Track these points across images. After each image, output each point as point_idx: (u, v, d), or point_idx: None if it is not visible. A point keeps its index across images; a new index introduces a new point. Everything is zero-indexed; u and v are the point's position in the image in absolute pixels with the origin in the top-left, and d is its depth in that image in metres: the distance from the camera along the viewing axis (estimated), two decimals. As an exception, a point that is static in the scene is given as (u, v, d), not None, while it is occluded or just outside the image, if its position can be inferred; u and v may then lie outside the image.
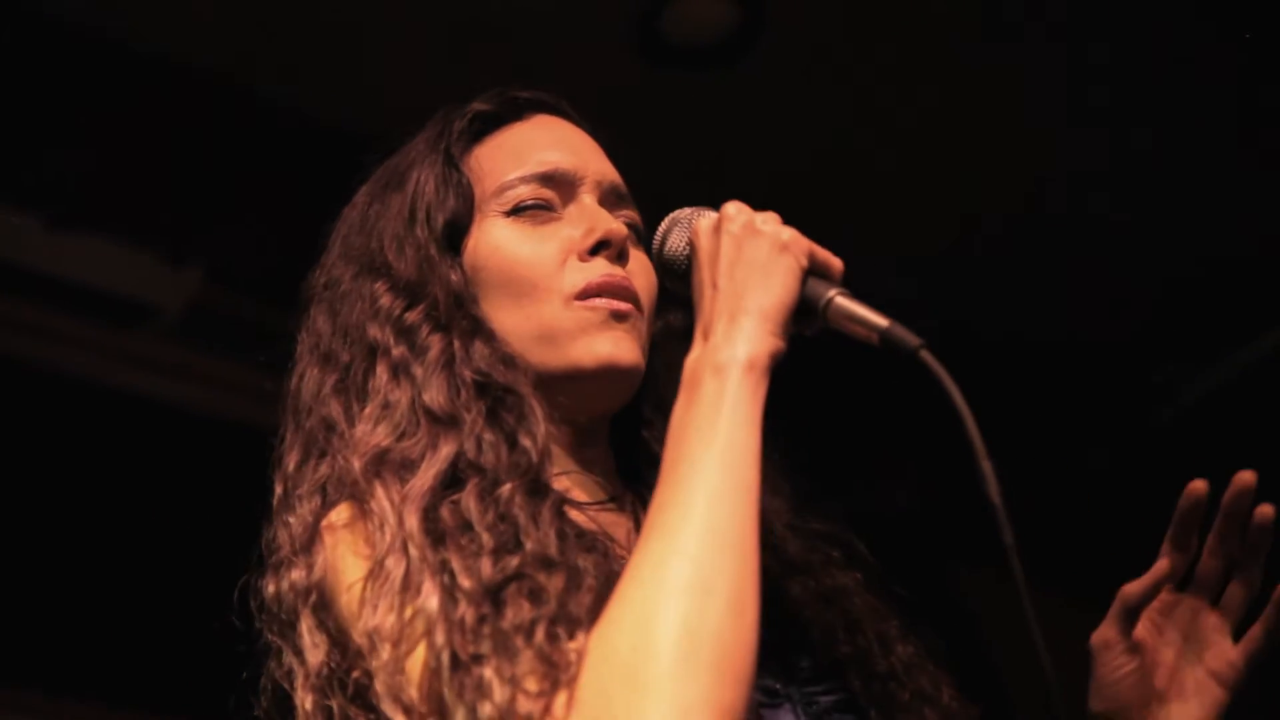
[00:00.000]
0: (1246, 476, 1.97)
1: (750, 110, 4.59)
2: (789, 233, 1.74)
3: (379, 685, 1.54)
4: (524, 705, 1.44)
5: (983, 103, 4.72)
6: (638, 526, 1.88)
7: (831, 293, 1.73)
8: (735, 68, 4.54)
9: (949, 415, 1.60)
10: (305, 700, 1.68)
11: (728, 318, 1.68)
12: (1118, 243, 5.27)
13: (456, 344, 1.83)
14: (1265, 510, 1.95)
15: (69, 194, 4.46)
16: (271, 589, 1.74)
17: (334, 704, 1.66)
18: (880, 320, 1.70)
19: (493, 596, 1.52)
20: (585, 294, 1.90)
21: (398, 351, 1.84)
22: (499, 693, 1.45)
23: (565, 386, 1.87)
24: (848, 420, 5.09)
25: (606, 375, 1.90)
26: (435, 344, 1.83)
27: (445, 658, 1.49)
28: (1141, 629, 2.01)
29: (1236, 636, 2.00)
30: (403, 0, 4.20)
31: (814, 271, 1.75)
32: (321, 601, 1.68)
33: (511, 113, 2.07)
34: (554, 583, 1.54)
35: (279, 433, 1.94)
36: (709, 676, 1.42)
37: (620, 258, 1.96)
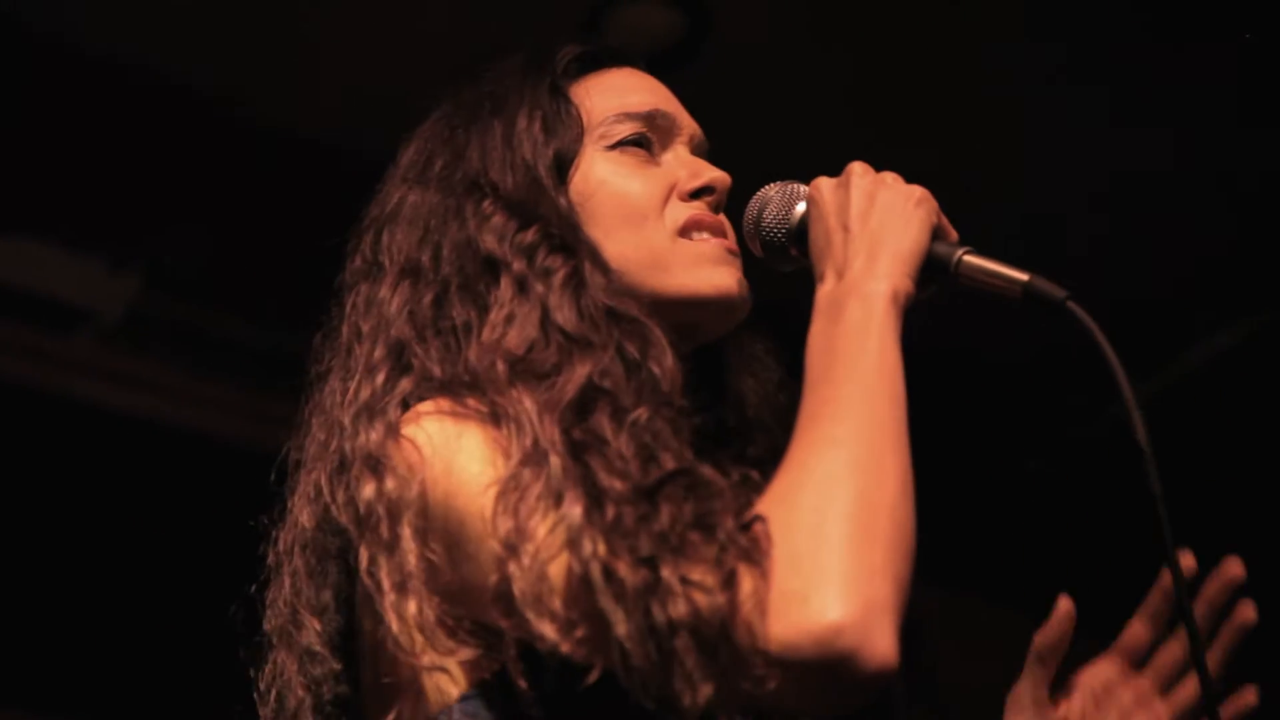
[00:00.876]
0: (1235, 568, 2.01)
1: (696, 116, 4.59)
2: (920, 190, 1.80)
3: (519, 591, 1.49)
4: (706, 599, 1.41)
5: (928, 115, 4.74)
6: None
7: (961, 250, 1.78)
8: (677, 76, 4.54)
9: (1100, 366, 1.64)
10: (405, 607, 1.62)
11: (867, 255, 1.71)
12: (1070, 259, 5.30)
13: (584, 267, 1.80)
14: (1245, 610, 1.99)
15: (6, 199, 4.44)
16: (367, 490, 1.67)
17: (432, 610, 1.61)
18: (1020, 274, 1.74)
19: (648, 497, 1.49)
20: (686, 228, 1.92)
21: (519, 266, 1.81)
22: (681, 591, 1.42)
23: (676, 314, 1.85)
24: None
25: (722, 304, 1.92)
26: (559, 265, 1.80)
27: (596, 567, 1.45)
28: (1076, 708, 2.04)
29: None
30: (343, 6, 4.19)
31: (937, 233, 1.79)
32: (422, 506, 1.63)
33: (608, 58, 2.09)
34: (719, 478, 1.52)
35: (332, 349, 1.91)
36: (888, 546, 1.44)
37: (719, 207, 1.97)
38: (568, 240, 1.84)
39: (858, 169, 1.82)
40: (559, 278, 1.78)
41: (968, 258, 1.77)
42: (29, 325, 4.67)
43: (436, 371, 1.75)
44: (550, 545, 1.49)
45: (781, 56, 4.54)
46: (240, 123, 4.45)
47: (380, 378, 1.79)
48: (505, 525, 1.53)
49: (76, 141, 4.38)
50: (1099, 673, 2.06)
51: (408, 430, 1.69)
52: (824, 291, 1.71)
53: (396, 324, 1.83)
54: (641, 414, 1.61)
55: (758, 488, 1.52)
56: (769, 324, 2.05)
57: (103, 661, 4.36)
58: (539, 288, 1.77)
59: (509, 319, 1.76)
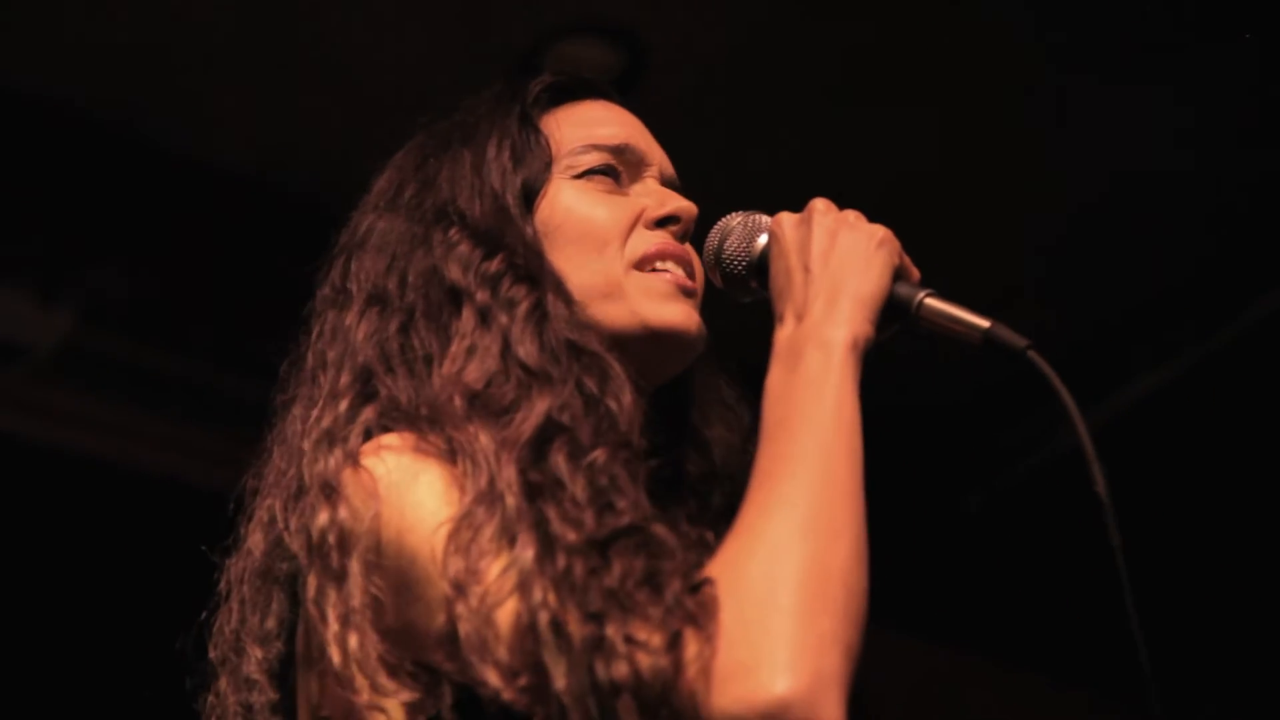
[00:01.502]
0: None
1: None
2: (883, 230, 1.78)
3: (464, 634, 1.48)
4: (650, 661, 1.39)
5: (853, 154, 4.76)
6: None
7: (923, 293, 1.76)
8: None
9: (1059, 413, 1.63)
10: (347, 640, 1.59)
11: (826, 299, 1.69)
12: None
13: (547, 298, 1.79)
14: None
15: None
16: (322, 518, 1.66)
17: (375, 647, 1.59)
18: (981, 321, 1.73)
19: (600, 550, 1.47)
20: (647, 259, 1.91)
21: (482, 297, 1.79)
22: (624, 651, 1.40)
23: (627, 348, 1.82)
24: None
25: (669, 339, 1.90)
26: (523, 296, 1.78)
27: (545, 617, 1.43)
28: None
29: None
30: (271, 41, 4.18)
31: (899, 274, 1.77)
32: (374, 542, 1.61)
33: (581, 90, 2.09)
34: (671, 536, 1.50)
35: (296, 376, 1.90)
36: (839, 614, 1.42)
37: (685, 236, 1.96)
38: (533, 270, 1.82)
39: (820, 206, 1.82)
40: (522, 309, 1.77)
41: (929, 301, 1.76)
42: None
43: (401, 401, 1.74)
44: (500, 589, 1.48)
45: (717, 93, 4.56)
46: (174, 157, 4.43)
47: (344, 405, 1.77)
48: (455, 566, 1.51)
49: (8, 178, 4.36)
50: None
51: (367, 461, 1.67)
52: (783, 335, 1.69)
53: (362, 351, 1.81)
54: (599, 455, 1.59)
55: (711, 548, 1.50)
56: (742, 367, 2.03)
57: (34, 695, 4.32)
58: (502, 319, 1.76)
59: (470, 350, 1.74)
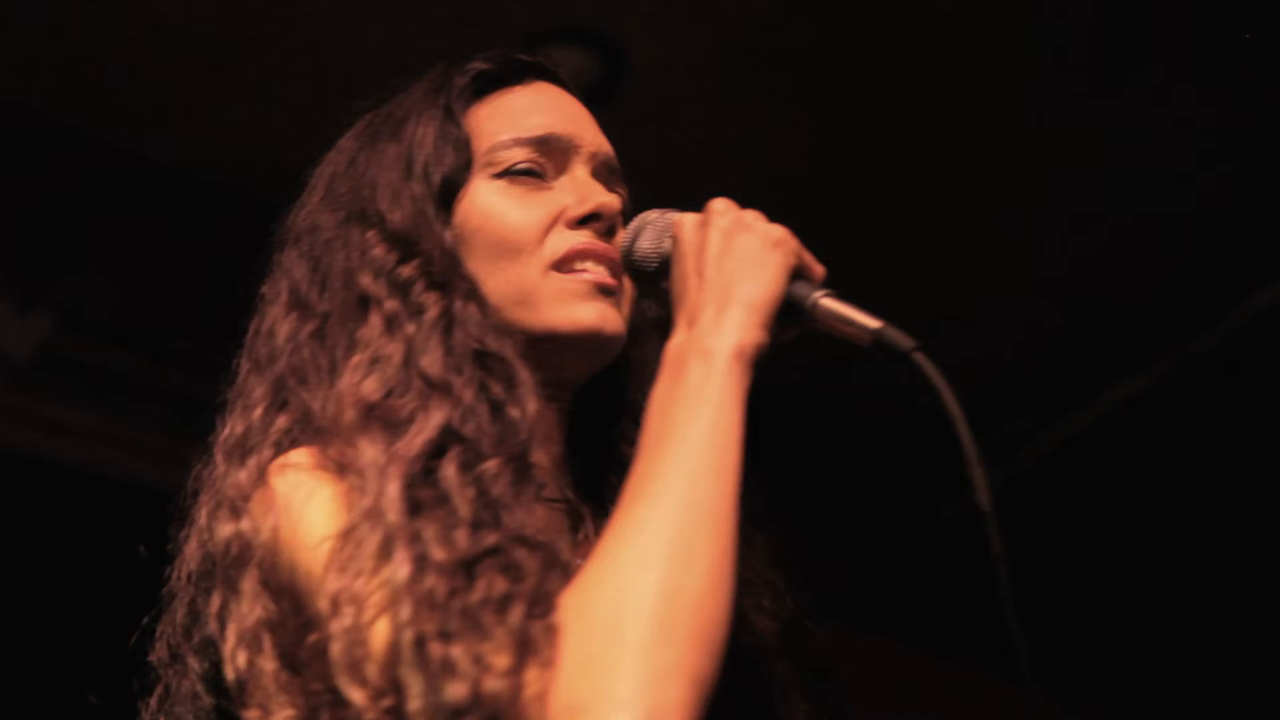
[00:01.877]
0: None
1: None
2: (779, 230, 1.76)
3: (336, 652, 1.48)
4: (493, 684, 1.39)
5: (834, 161, 4.78)
6: (577, 532, 1.87)
7: (818, 294, 1.73)
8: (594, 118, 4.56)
9: (942, 418, 1.62)
10: (238, 657, 1.61)
11: (715, 306, 1.67)
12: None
13: (455, 305, 1.77)
14: None
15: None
16: (224, 529, 1.67)
17: (267, 665, 1.60)
18: (872, 321, 1.70)
19: (466, 570, 1.47)
20: (566, 259, 1.88)
21: (391, 305, 1.78)
22: (467, 671, 1.40)
23: (542, 353, 1.82)
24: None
25: (581, 341, 1.87)
26: (432, 303, 1.77)
27: (409, 635, 1.43)
28: None
29: None
30: (254, 50, 4.18)
31: (799, 273, 1.75)
32: (270, 558, 1.62)
33: (512, 75, 2.05)
34: (532, 560, 1.50)
35: (235, 372, 1.89)
36: (687, 644, 1.41)
37: (608, 234, 1.93)
38: (446, 276, 1.81)
39: (718, 206, 1.78)
40: (430, 316, 1.76)
41: (824, 301, 1.73)
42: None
43: (312, 410, 1.73)
44: (372, 606, 1.48)
45: (697, 101, 4.57)
46: (152, 165, 4.43)
47: (257, 414, 1.77)
48: (333, 584, 1.51)
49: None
50: None
51: (272, 477, 1.67)
52: (673, 344, 1.67)
53: (281, 356, 1.81)
54: (491, 466, 1.60)
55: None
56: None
57: (13, 700, 4.31)
58: (409, 327, 1.75)
59: (373, 360, 1.73)
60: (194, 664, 1.77)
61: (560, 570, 1.51)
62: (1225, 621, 5.39)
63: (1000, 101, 4.61)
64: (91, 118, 4.38)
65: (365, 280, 1.81)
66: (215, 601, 1.66)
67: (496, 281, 1.86)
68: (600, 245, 1.90)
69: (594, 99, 4.54)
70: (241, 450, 1.74)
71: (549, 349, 1.84)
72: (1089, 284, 5.29)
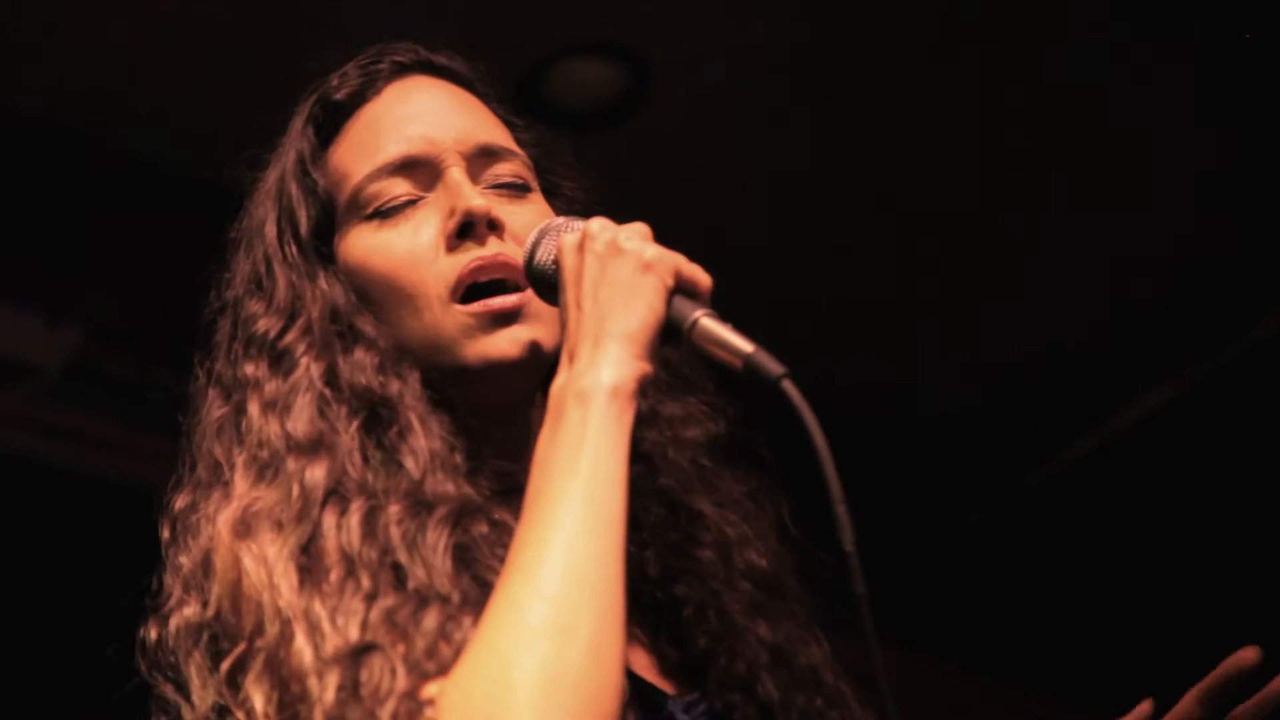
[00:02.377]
0: (1249, 654, 1.91)
1: (635, 172, 4.62)
2: (653, 250, 1.67)
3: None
4: None
5: (859, 172, 4.78)
6: None
7: (697, 314, 1.65)
8: (617, 131, 4.56)
9: (807, 451, 1.54)
10: None
11: (591, 341, 1.61)
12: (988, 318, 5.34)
13: (339, 361, 1.75)
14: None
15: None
16: (155, 634, 1.68)
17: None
18: (745, 345, 1.62)
19: (355, 658, 1.48)
20: (459, 284, 1.80)
21: (271, 386, 1.76)
22: None
23: (462, 385, 1.79)
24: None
25: (494, 371, 1.79)
26: (304, 366, 1.75)
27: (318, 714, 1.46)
28: None
29: None
30: (270, 56, 4.19)
31: (681, 289, 1.67)
32: (214, 639, 1.62)
33: (367, 92, 1.96)
34: (427, 622, 1.50)
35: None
36: (568, 718, 1.39)
37: (492, 229, 1.84)
38: (328, 335, 1.80)
39: (594, 228, 1.70)
40: (297, 378, 1.75)
41: (703, 323, 1.64)
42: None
43: (237, 490, 1.71)
44: (292, 700, 1.50)
45: (721, 112, 4.57)
46: (181, 181, 4.45)
47: (180, 506, 1.77)
48: (252, 691, 1.54)
49: (15, 199, 4.37)
50: None
51: (214, 555, 1.66)
52: (555, 386, 1.63)
53: (209, 435, 1.80)
54: (392, 511, 1.60)
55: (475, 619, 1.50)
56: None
57: (36, 710, 4.33)
58: (286, 399, 1.74)
59: (257, 447, 1.72)
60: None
61: (459, 627, 1.51)
62: (1249, 630, 5.37)
63: (1017, 107, 4.61)
64: (121, 132, 4.40)
65: (248, 366, 1.80)
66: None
67: (404, 329, 1.82)
68: (486, 257, 1.82)
69: (619, 111, 4.59)
70: (176, 550, 1.74)
71: (475, 380, 1.80)
72: (1115, 293, 5.29)
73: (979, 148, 4.73)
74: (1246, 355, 5.34)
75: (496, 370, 1.79)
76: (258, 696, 1.53)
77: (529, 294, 1.81)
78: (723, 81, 4.47)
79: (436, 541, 1.59)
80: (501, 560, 1.55)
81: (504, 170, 1.92)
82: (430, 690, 1.45)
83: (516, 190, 1.92)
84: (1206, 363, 5.42)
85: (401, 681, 1.45)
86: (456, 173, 1.86)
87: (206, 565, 1.66)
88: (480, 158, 1.90)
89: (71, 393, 4.65)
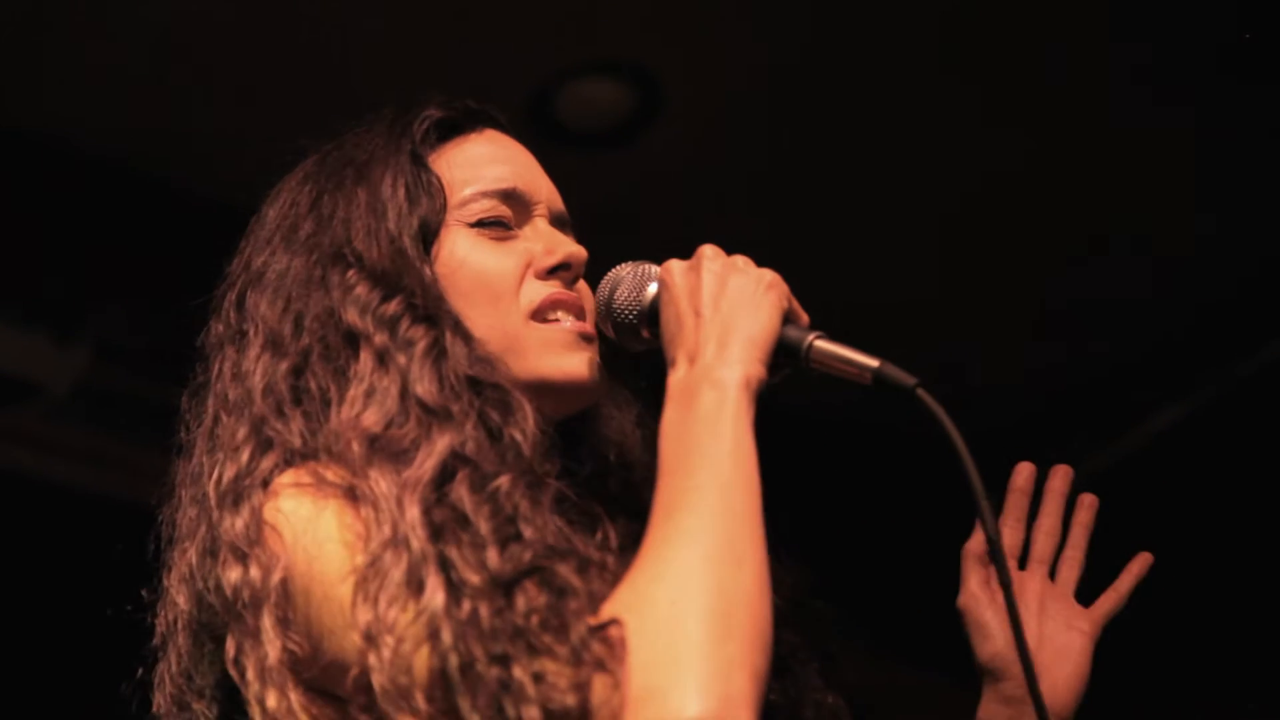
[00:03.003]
0: (1064, 468, 2.20)
1: (646, 191, 4.62)
2: (770, 274, 1.79)
3: (380, 684, 1.49)
4: (563, 700, 1.42)
5: (877, 189, 4.78)
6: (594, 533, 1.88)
7: (812, 335, 1.77)
8: (629, 150, 4.56)
9: (947, 452, 1.64)
10: (267, 698, 1.62)
11: (718, 341, 1.70)
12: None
13: (446, 337, 1.79)
14: (1089, 496, 2.19)
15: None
16: (232, 576, 1.67)
17: (295, 699, 1.62)
18: (871, 361, 1.74)
19: (505, 590, 1.49)
20: (541, 309, 1.91)
21: (380, 339, 1.79)
22: (533, 692, 1.42)
23: (530, 396, 1.81)
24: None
25: (570, 389, 1.91)
26: (421, 336, 1.79)
27: (455, 660, 1.45)
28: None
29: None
30: (284, 78, 4.20)
31: (788, 317, 1.78)
32: (285, 597, 1.62)
33: (467, 122, 2.07)
34: (567, 569, 1.52)
35: (189, 417, 1.92)
36: (745, 639, 1.44)
37: (575, 280, 1.97)
38: (431, 310, 1.83)
39: (709, 252, 1.82)
40: (420, 348, 1.78)
41: (819, 343, 1.77)
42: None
43: (297, 446, 1.74)
44: (411, 636, 1.49)
45: (731, 131, 4.57)
46: (190, 198, 4.45)
47: (245, 456, 1.77)
48: (365, 616, 1.52)
49: (21, 216, 4.38)
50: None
51: (269, 514, 1.68)
52: (676, 378, 1.71)
53: (260, 396, 1.81)
54: (503, 482, 1.61)
55: (616, 575, 1.52)
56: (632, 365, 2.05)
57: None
58: (400, 359, 1.77)
59: (369, 393, 1.74)
60: (201, 709, 1.78)
61: (596, 570, 1.53)
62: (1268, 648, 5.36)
63: (1038, 131, 4.61)
64: (129, 151, 4.41)
65: (352, 316, 1.82)
66: (230, 648, 1.67)
67: (479, 324, 1.88)
68: (571, 296, 1.95)
69: (629, 130, 4.59)
70: (234, 494, 1.74)
71: (533, 393, 1.84)
72: (1129, 310, 5.28)
73: (990, 154, 4.72)
74: (1263, 371, 5.34)
75: (570, 387, 1.91)
76: (380, 634, 1.51)
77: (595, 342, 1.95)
78: (732, 99, 4.47)
79: (552, 510, 1.62)
80: (593, 540, 1.61)
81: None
82: (599, 631, 1.45)
83: None
84: (1222, 378, 5.42)
85: (566, 622, 1.46)
86: (547, 223, 2.01)
87: (262, 518, 1.68)
88: (557, 223, 2.04)
89: (80, 412, 4.65)
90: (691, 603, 1.45)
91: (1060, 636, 2.10)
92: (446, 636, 1.46)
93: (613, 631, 1.44)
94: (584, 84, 4.38)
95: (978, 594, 2.09)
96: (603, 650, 1.43)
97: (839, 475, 5.13)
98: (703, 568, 1.48)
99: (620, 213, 4.64)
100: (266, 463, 1.75)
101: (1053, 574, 2.17)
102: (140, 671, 1.87)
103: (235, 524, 1.71)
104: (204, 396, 1.92)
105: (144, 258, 4.51)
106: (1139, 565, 2.20)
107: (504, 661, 1.43)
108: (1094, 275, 5.11)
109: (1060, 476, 2.19)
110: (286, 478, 1.70)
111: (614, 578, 1.52)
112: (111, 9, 4.02)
